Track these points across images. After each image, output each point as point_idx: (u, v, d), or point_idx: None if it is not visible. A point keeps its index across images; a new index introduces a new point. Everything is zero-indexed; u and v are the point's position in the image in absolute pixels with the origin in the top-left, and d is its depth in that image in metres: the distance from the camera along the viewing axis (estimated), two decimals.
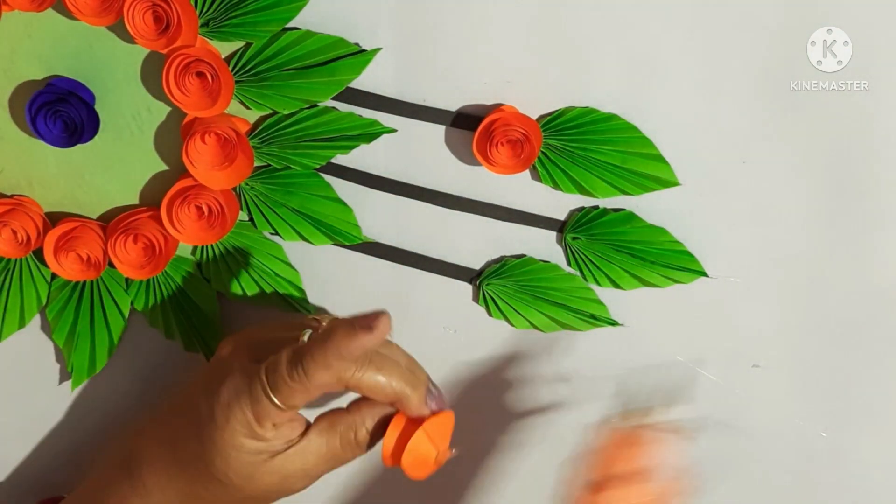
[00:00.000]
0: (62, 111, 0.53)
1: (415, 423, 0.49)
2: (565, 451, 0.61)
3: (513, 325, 0.58)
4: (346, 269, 0.58)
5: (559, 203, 0.56)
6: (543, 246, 0.57)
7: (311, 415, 0.50)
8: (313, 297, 0.59)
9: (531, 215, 0.56)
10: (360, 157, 0.56)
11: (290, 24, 0.52)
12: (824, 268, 0.56)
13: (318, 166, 0.55)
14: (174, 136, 0.55)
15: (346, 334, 0.48)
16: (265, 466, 0.49)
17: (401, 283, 0.58)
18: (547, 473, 0.62)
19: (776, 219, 0.55)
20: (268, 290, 0.58)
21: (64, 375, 0.61)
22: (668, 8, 0.52)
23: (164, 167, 0.56)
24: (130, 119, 0.55)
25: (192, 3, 0.51)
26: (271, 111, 0.54)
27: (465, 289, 0.58)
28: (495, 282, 0.57)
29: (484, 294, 0.58)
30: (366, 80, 0.54)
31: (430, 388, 0.51)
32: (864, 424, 0.59)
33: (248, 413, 0.48)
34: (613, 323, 0.58)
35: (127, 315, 0.58)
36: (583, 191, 0.55)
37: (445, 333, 0.59)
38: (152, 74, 0.54)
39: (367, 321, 0.47)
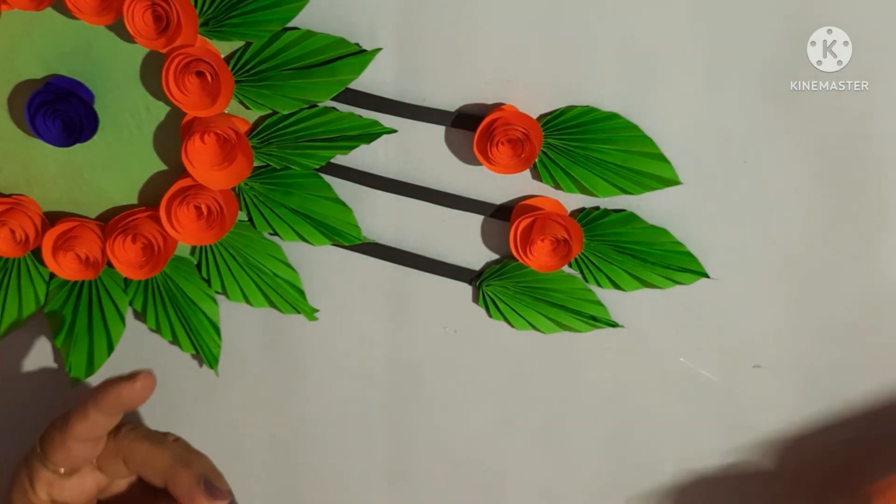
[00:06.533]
0: (61, 110, 0.52)
1: None
2: (565, 452, 0.61)
3: (513, 326, 0.58)
4: (345, 269, 0.58)
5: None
6: None
7: None
8: (312, 298, 0.58)
9: None
10: (360, 157, 0.56)
11: (290, 24, 0.52)
12: (824, 268, 0.56)
13: (317, 166, 0.55)
14: (173, 135, 0.55)
15: (107, 385, 0.49)
16: None
17: (401, 284, 0.58)
18: (547, 473, 0.61)
19: (776, 219, 0.55)
20: (267, 290, 0.58)
21: (62, 375, 0.60)
22: (668, 7, 0.52)
23: (163, 167, 0.56)
24: (129, 118, 0.55)
25: (192, 2, 0.51)
26: (271, 111, 0.54)
27: (465, 290, 0.58)
28: (495, 283, 0.57)
29: (484, 295, 0.58)
30: (366, 81, 0.54)
31: (210, 482, 0.50)
32: (864, 424, 0.59)
33: (24, 480, 0.49)
34: (613, 324, 0.58)
35: (125, 315, 0.58)
36: (584, 190, 0.55)
37: (445, 333, 0.59)
38: (152, 74, 0.54)
39: (129, 375, 0.48)
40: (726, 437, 0.60)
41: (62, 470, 0.50)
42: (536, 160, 0.54)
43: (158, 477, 0.50)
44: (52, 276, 0.57)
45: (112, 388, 0.48)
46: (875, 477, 0.56)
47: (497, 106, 0.54)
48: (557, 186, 0.55)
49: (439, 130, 0.55)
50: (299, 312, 0.58)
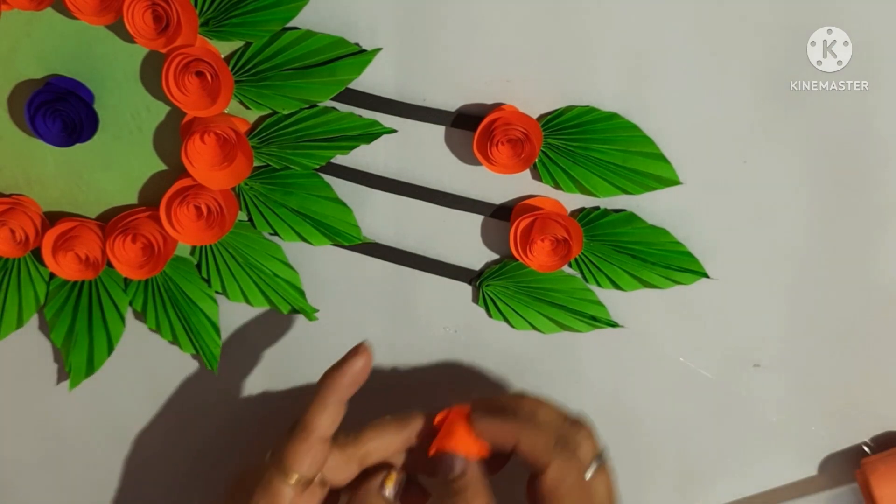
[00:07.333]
0: (61, 110, 0.52)
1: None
2: None
3: (513, 325, 0.58)
4: (345, 269, 0.58)
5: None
6: None
7: None
8: (312, 298, 0.58)
9: None
10: (360, 157, 0.56)
11: (290, 24, 0.52)
12: (824, 268, 0.56)
13: (317, 166, 0.55)
14: (173, 135, 0.55)
15: (333, 371, 0.50)
16: None
17: (401, 284, 0.58)
18: None
19: (776, 219, 0.55)
20: (267, 290, 0.58)
21: (62, 375, 0.60)
22: (668, 7, 0.52)
23: (163, 167, 0.56)
24: (129, 118, 0.55)
25: (192, 2, 0.51)
26: (271, 111, 0.54)
27: (465, 290, 0.58)
28: (495, 283, 0.57)
29: (484, 295, 0.58)
30: (366, 80, 0.54)
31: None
32: (865, 425, 0.59)
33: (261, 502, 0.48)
34: (613, 324, 0.58)
35: (125, 315, 0.58)
36: (584, 190, 0.55)
37: (445, 333, 0.59)
38: (151, 74, 0.54)
39: (349, 354, 0.50)
40: (726, 436, 0.60)
41: (313, 478, 0.50)
42: (536, 160, 0.54)
43: (394, 456, 0.53)
44: (52, 276, 0.57)
45: (341, 371, 0.50)
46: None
47: (497, 106, 0.54)
48: (557, 186, 0.55)
49: (439, 130, 0.55)
50: (299, 312, 0.58)
